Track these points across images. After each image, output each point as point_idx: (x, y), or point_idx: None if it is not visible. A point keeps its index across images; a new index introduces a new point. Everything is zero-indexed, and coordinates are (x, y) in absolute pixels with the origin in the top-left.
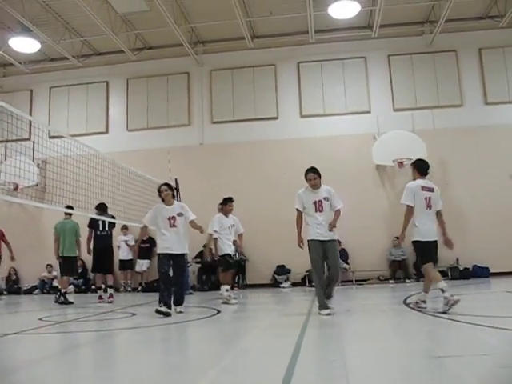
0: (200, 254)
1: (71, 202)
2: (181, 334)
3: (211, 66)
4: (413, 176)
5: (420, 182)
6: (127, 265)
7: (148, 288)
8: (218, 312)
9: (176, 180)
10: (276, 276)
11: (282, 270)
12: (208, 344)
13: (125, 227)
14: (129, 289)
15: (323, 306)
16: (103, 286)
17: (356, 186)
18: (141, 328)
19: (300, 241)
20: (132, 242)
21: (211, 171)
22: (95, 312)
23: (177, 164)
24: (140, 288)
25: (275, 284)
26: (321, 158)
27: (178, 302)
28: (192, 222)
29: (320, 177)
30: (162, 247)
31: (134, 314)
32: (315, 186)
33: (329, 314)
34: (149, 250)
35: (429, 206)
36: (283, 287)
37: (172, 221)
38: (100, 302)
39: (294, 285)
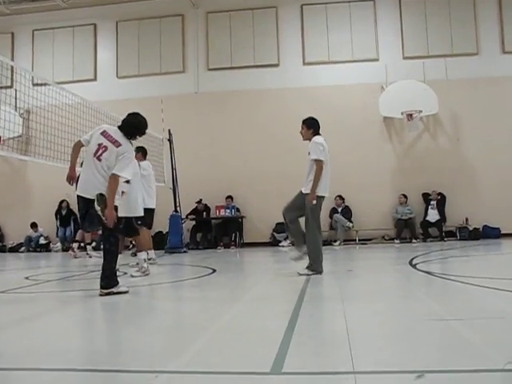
0: (194, 211)
1: (57, 154)
2: (176, 294)
3: (207, 8)
4: (307, 136)
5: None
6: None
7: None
8: (214, 271)
9: (169, 131)
10: (275, 234)
11: (281, 227)
12: (204, 304)
13: None
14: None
15: (319, 270)
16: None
17: (361, 139)
18: (133, 287)
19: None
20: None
21: (206, 122)
22: (85, 270)
23: (170, 114)
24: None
25: (274, 243)
26: (324, 109)
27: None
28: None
29: (309, 128)
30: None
31: (125, 273)
32: (303, 137)
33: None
34: None
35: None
36: (282, 246)
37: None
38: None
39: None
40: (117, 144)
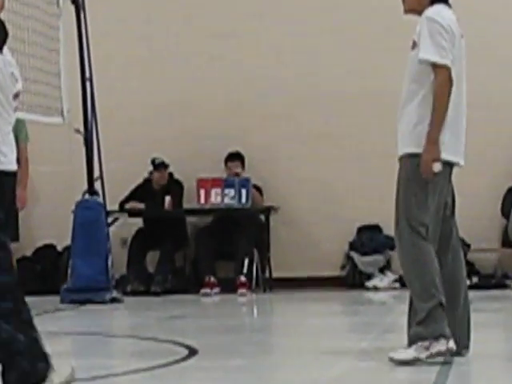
0: (142, 191)
1: None
2: None
3: None
4: (412, 4)
5: None
6: None
7: None
8: (192, 353)
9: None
10: (354, 257)
11: (371, 239)
12: None
13: None
14: None
15: (440, 331)
16: None
17: None
18: None
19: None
20: None
21: None
22: None
23: None
24: None
25: (354, 279)
26: None
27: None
28: None
29: None
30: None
31: None
32: (405, 5)
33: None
34: None
35: None
36: (375, 288)
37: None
38: None
39: (403, 284)
40: None
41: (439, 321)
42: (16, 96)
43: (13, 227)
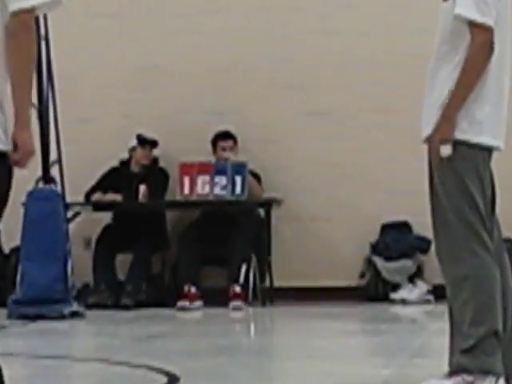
0: (113, 177)
1: None
2: None
3: None
4: None
5: None
6: None
7: None
8: (173, 380)
9: None
10: (377, 262)
11: (397, 240)
12: None
13: None
14: None
15: (490, 367)
16: None
17: None
18: None
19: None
20: None
21: None
22: None
23: None
24: None
25: (376, 289)
26: None
27: None
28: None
29: None
30: None
31: None
32: None
33: None
34: None
35: None
36: (402, 301)
37: None
38: None
39: (438, 296)
40: None
41: (491, 353)
42: None
43: None
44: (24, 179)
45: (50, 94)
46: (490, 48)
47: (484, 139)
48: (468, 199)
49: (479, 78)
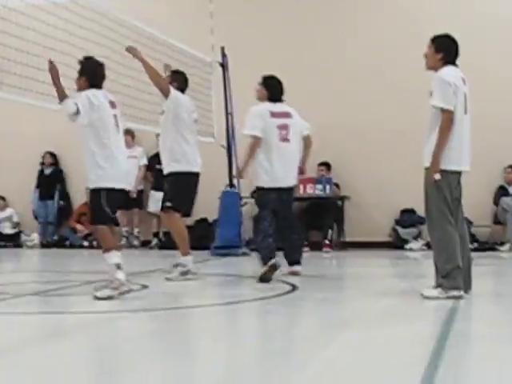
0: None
1: (36, 86)
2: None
3: None
4: (432, 64)
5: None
6: (132, 201)
7: (168, 243)
8: (293, 288)
9: (223, 50)
10: (398, 229)
11: (408, 218)
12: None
13: (129, 134)
14: (135, 242)
15: (456, 285)
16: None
17: None
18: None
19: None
20: (143, 161)
21: (285, 30)
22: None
23: (225, 19)
24: (155, 242)
25: (397, 243)
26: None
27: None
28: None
29: (438, 50)
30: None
31: (145, 287)
32: (426, 64)
33: None
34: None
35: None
36: (411, 249)
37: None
38: None
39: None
40: None
41: (456, 278)
42: (195, 121)
43: (190, 207)
44: (219, 185)
45: (233, 142)
46: (451, 121)
47: (453, 167)
48: (442, 198)
49: (448, 136)
